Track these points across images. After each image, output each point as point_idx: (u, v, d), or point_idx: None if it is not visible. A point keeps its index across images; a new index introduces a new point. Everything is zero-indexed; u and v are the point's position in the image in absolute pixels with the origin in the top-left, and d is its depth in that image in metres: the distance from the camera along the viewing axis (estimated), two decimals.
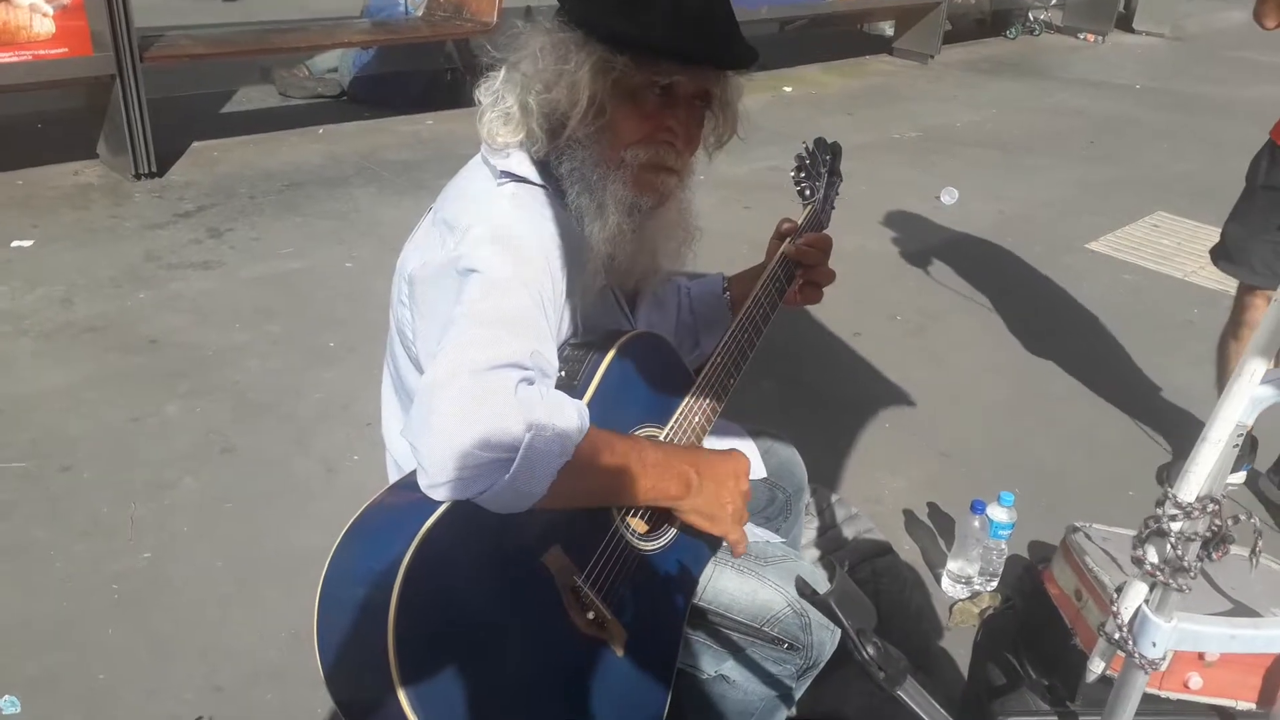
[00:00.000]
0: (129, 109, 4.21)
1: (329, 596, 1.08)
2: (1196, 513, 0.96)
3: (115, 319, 3.29)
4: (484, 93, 1.31)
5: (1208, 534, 0.97)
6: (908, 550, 2.47)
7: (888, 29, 8.64)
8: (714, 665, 1.35)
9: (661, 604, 1.23)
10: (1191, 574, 0.99)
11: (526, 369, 1.11)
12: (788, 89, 7.14)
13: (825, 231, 1.67)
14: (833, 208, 1.76)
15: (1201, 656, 1.12)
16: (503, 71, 1.28)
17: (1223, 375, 2.71)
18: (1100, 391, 3.27)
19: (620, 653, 1.19)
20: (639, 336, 1.33)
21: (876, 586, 1.98)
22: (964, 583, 2.30)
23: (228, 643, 2.06)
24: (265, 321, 3.33)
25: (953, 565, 2.32)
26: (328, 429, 2.77)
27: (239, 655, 2.02)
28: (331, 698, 1.08)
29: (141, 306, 3.38)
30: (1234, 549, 1.31)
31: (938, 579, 2.36)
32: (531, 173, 1.29)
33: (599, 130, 1.25)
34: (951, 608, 2.24)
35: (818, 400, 3.13)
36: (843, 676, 1.68)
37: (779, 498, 1.75)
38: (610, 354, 1.25)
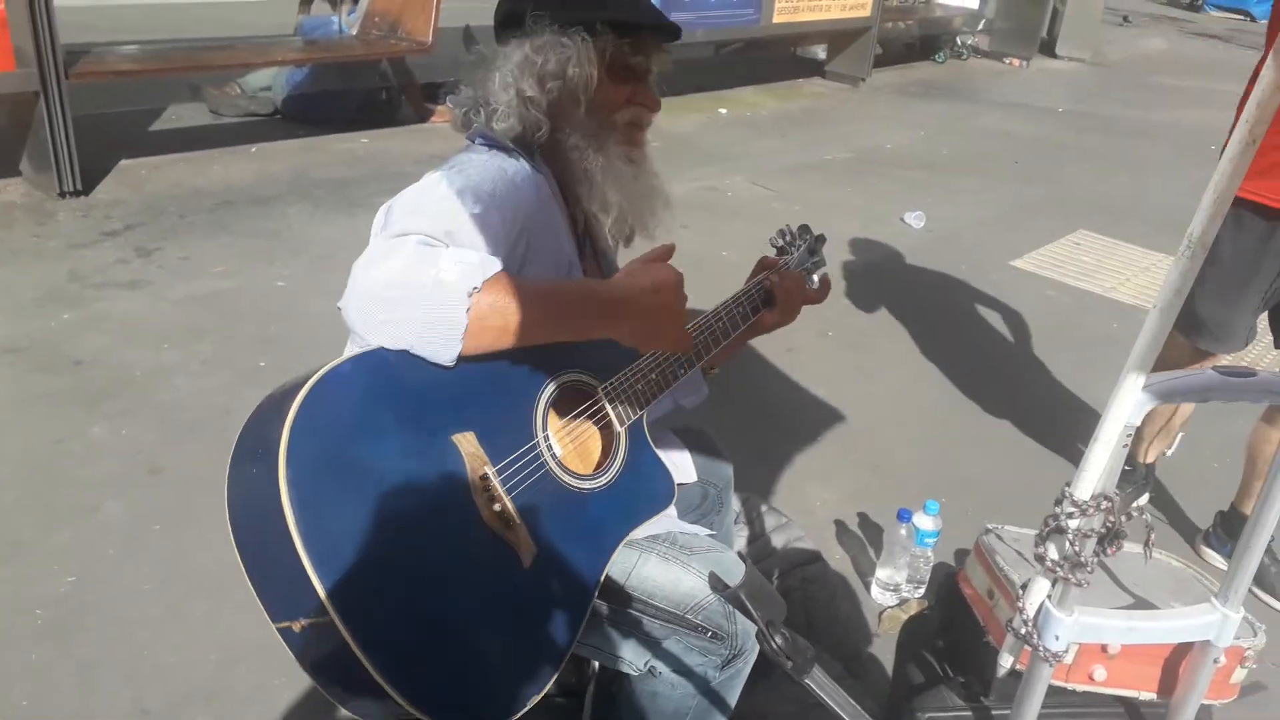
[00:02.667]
0: (53, 126, 4.12)
1: (237, 456, 1.12)
2: (1092, 510, 1.02)
3: (38, 340, 3.21)
4: (465, 100, 1.45)
5: (1103, 530, 1.03)
6: (838, 559, 2.53)
7: (820, 52, 8.83)
8: (640, 657, 1.37)
9: (576, 541, 1.25)
10: (1089, 569, 1.04)
11: (435, 239, 1.16)
12: (723, 110, 7.25)
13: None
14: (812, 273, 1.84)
15: (1105, 649, 1.18)
16: (492, 78, 1.41)
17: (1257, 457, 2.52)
18: (1024, 403, 3.38)
19: (526, 565, 1.20)
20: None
21: (806, 594, 2.02)
22: (892, 590, 2.35)
23: (156, 665, 2.02)
24: (194, 341, 3.28)
25: (881, 573, 2.37)
26: None
27: (168, 677, 1.99)
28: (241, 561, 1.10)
29: (66, 327, 3.31)
30: (1130, 546, 1.38)
31: (867, 587, 2.42)
32: (508, 145, 1.41)
33: (592, 104, 1.43)
34: (881, 615, 2.30)
35: (752, 415, 3.19)
36: (772, 684, 1.72)
37: (710, 494, 1.81)
38: None
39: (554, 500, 1.26)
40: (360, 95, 5.79)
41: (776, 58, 8.85)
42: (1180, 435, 2.69)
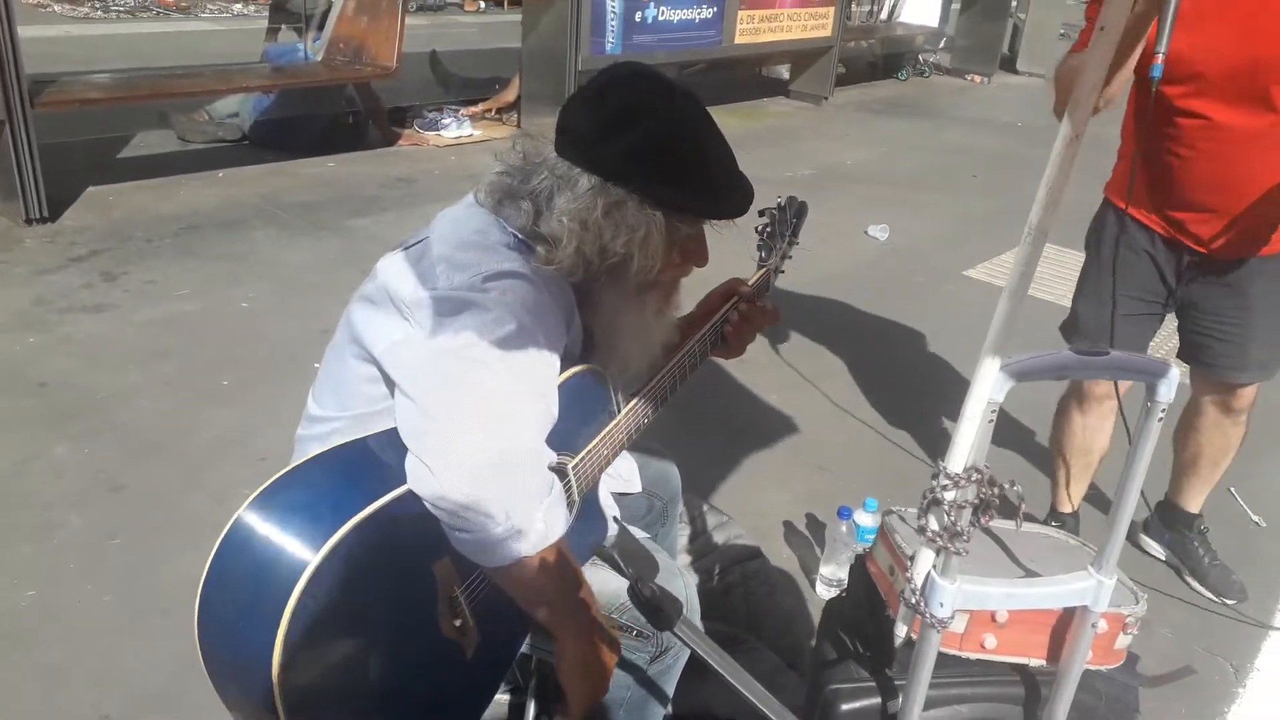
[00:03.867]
0: (19, 155, 4.18)
1: (224, 567, 1.13)
2: (964, 482, 1.10)
3: (3, 363, 3.26)
4: (512, 187, 1.37)
5: (976, 501, 1.11)
6: (786, 558, 2.61)
7: (784, 72, 9.00)
8: None
9: (515, 617, 1.30)
10: (965, 538, 1.12)
11: (545, 430, 1.22)
12: None
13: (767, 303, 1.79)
14: (782, 271, 1.86)
15: (994, 619, 1.25)
16: (553, 203, 1.33)
17: (1063, 449, 2.60)
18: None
19: (468, 657, 1.28)
20: (588, 371, 1.43)
21: (747, 589, 2.10)
22: (836, 586, 2.43)
23: (116, 672, 2.07)
24: (158, 363, 3.34)
25: (824, 570, 2.45)
26: (220, 465, 2.79)
27: (128, 683, 2.04)
28: (205, 664, 1.15)
29: (31, 350, 3.36)
30: (1032, 526, 1.47)
31: (813, 584, 2.49)
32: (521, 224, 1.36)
33: (644, 272, 1.38)
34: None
35: (707, 422, 3.27)
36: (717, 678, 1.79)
37: (656, 505, 1.87)
38: (564, 376, 1.34)
39: (500, 593, 1.29)
40: (326, 120, 5.88)
41: (741, 78, 9.01)
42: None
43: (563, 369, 1.34)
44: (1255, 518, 2.95)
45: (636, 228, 1.32)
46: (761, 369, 3.65)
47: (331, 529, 1.11)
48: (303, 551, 1.10)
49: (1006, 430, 3.33)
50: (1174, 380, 1.09)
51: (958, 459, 1.10)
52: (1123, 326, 2.26)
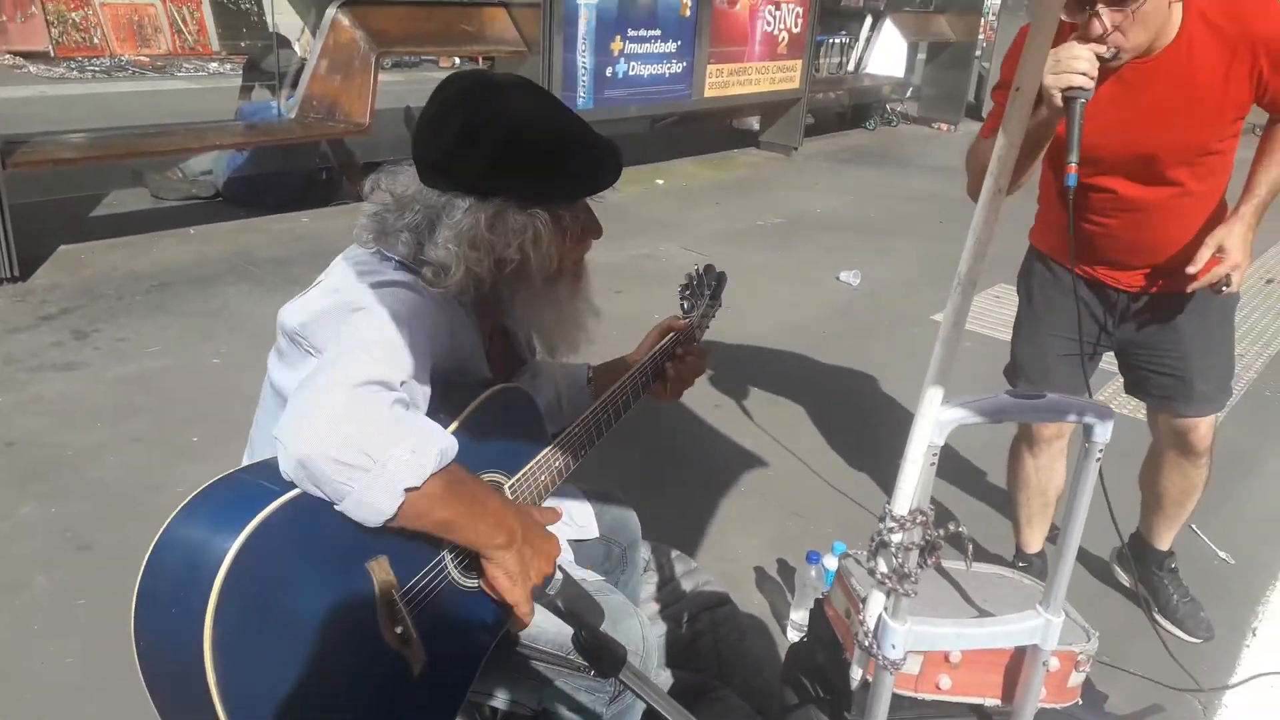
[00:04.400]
0: None
1: (152, 575, 1.14)
2: (910, 524, 1.13)
3: None
4: (390, 221, 1.41)
5: (923, 542, 1.13)
6: (757, 604, 2.61)
7: (754, 123, 9.16)
8: (532, 698, 1.45)
9: (464, 639, 1.31)
10: (913, 579, 1.15)
11: (396, 391, 1.21)
12: (660, 181, 7.49)
13: (700, 346, 1.87)
14: (706, 327, 1.95)
15: (947, 659, 1.27)
16: (436, 232, 1.37)
17: (1019, 491, 2.64)
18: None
19: (415, 673, 1.27)
20: (508, 389, 1.47)
21: (716, 635, 2.10)
22: (805, 631, 2.44)
23: None
24: (128, 420, 3.33)
25: (795, 615, 2.46)
26: None
27: None
28: (142, 675, 1.15)
29: None
30: (982, 566, 1.49)
31: (784, 629, 2.50)
32: (404, 257, 1.41)
33: (545, 266, 1.44)
34: None
35: (680, 468, 3.29)
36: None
37: (614, 551, 1.88)
38: (480, 399, 1.38)
39: (451, 607, 1.32)
40: (300, 176, 5.93)
41: (712, 129, 9.16)
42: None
43: (471, 389, 1.38)
44: (1222, 554, 2.98)
45: (524, 230, 1.37)
46: (734, 414, 3.68)
47: (252, 514, 1.12)
48: (223, 540, 1.09)
49: (969, 470, 3.37)
50: (1110, 422, 1.13)
51: (902, 502, 1.13)
52: (1061, 366, 2.32)
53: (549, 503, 1.60)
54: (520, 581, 1.31)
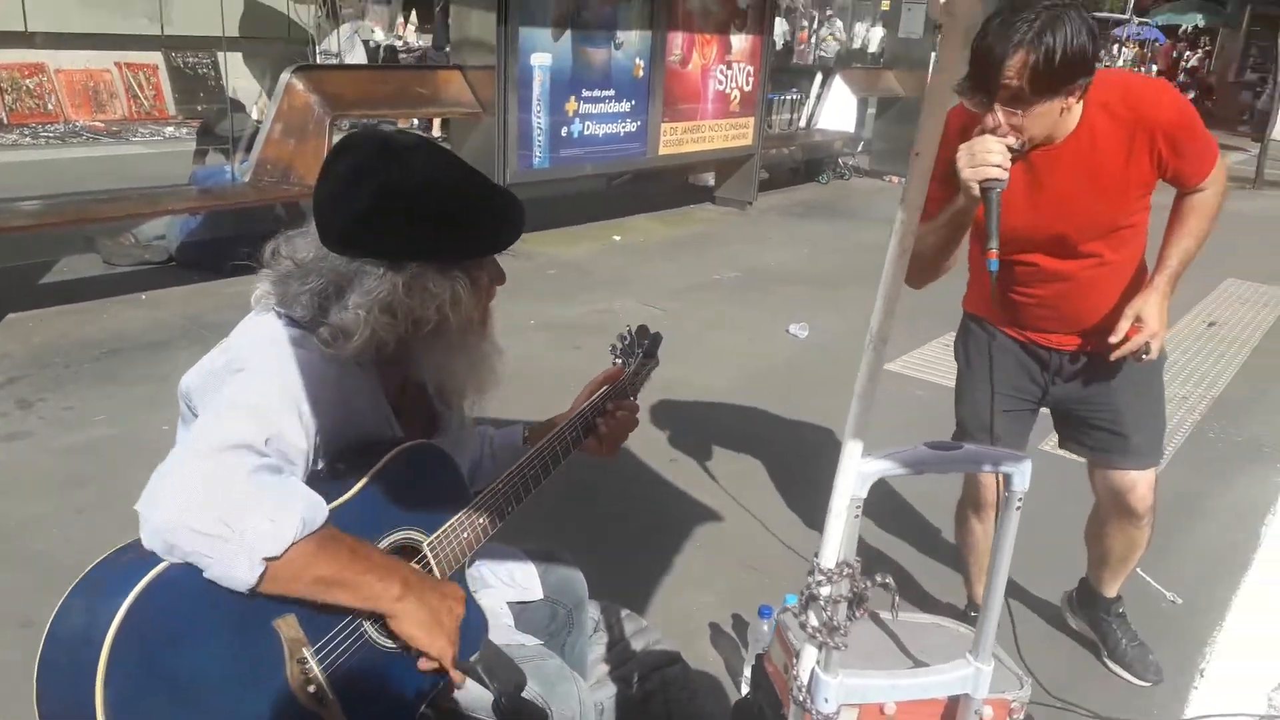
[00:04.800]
0: None
1: (50, 648, 1.13)
2: (837, 577, 1.14)
3: None
4: (291, 288, 1.40)
5: (851, 595, 1.15)
6: (711, 661, 2.60)
7: (709, 179, 9.32)
8: None
9: (388, 702, 1.29)
10: (843, 631, 1.16)
11: (262, 453, 1.21)
12: (617, 238, 7.57)
13: (634, 401, 1.86)
14: (642, 383, 1.94)
15: (883, 710, 1.28)
16: (345, 298, 1.37)
17: (968, 551, 2.68)
18: (890, 495, 3.54)
19: None
20: (420, 447, 1.46)
21: (666, 695, 2.08)
22: None
23: None
24: (73, 490, 3.27)
25: (748, 671, 2.45)
26: None
27: None
28: None
29: None
30: (915, 616, 1.51)
31: (739, 686, 2.49)
32: (305, 319, 1.41)
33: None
34: None
35: (634, 524, 3.28)
36: None
37: (560, 613, 1.86)
38: (386, 458, 1.38)
39: (369, 667, 1.31)
40: (255, 239, 5.90)
41: (667, 186, 9.30)
42: None
43: (379, 450, 1.38)
44: (1169, 595, 3.02)
45: (441, 292, 1.38)
46: (691, 468, 3.70)
47: (142, 575, 1.11)
48: (112, 603, 1.09)
49: (922, 519, 3.40)
50: (1027, 470, 1.16)
51: (829, 554, 1.14)
52: (1002, 421, 2.36)
53: (484, 563, 1.60)
54: (434, 629, 1.30)
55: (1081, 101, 2.00)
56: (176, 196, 5.54)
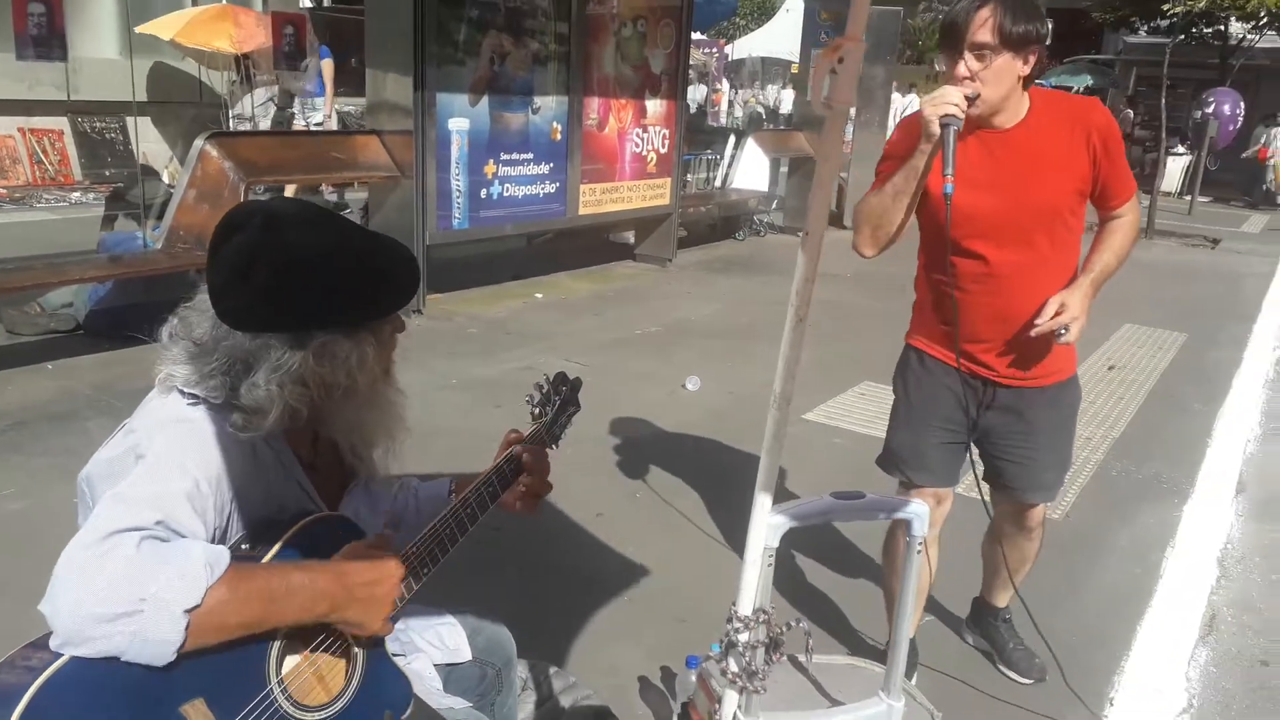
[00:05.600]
0: None
1: None
2: (754, 623, 1.20)
3: None
4: (188, 369, 1.42)
5: (767, 640, 1.21)
6: (641, 714, 2.62)
7: (629, 237, 9.47)
8: None
9: None
10: (761, 676, 1.21)
11: (148, 530, 1.21)
12: (539, 295, 7.63)
13: (549, 448, 1.87)
14: (564, 429, 1.96)
15: None
16: (253, 375, 1.39)
17: (893, 579, 2.69)
18: (813, 542, 3.63)
19: None
20: (324, 518, 1.47)
21: None
22: None
23: None
24: None
25: None
26: None
27: None
28: None
29: None
30: (834, 658, 1.57)
31: None
32: (214, 399, 1.42)
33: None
34: None
35: (561, 580, 3.29)
36: None
37: (489, 674, 1.88)
38: (293, 530, 1.39)
39: None
40: (168, 306, 5.80)
41: (588, 244, 9.42)
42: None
43: (285, 524, 1.40)
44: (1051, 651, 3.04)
45: (349, 355, 1.43)
46: (616, 522, 3.72)
47: (33, 678, 1.10)
48: (10, 693, 1.08)
49: (847, 558, 3.49)
50: (925, 516, 1.23)
51: (746, 602, 1.20)
52: (935, 453, 2.55)
53: (412, 627, 1.61)
54: (373, 622, 1.37)
55: (1027, 94, 2.30)
56: (86, 264, 5.43)
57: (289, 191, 8.38)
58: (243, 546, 1.41)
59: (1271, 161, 17.57)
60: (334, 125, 10.35)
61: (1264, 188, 17.74)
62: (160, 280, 5.53)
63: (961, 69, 2.20)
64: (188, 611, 1.17)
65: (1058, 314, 2.25)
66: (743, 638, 1.19)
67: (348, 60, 15.50)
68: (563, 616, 3.03)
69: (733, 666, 1.21)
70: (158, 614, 1.15)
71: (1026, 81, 2.28)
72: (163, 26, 10.84)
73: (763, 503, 1.15)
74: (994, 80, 2.21)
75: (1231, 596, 3.53)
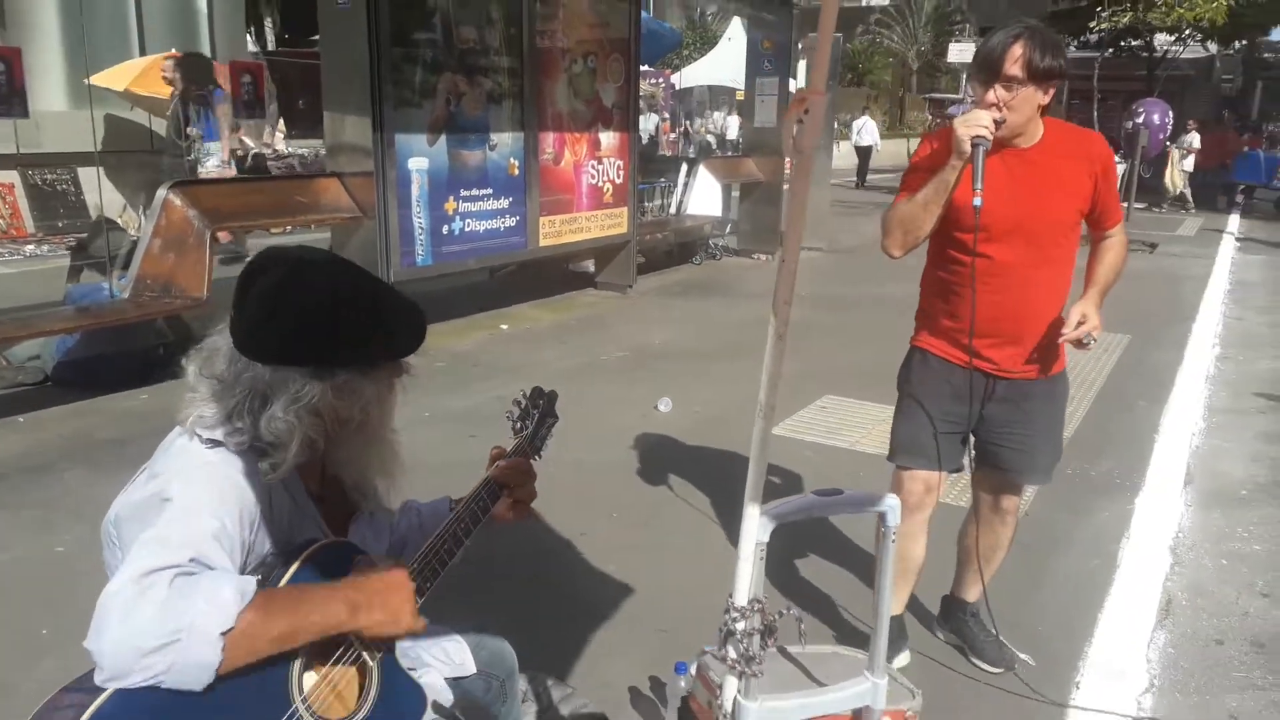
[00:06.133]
0: None
1: None
2: (750, 612, 1.33)
3: None
4: (211, 411, 1.53)
5: (762, 627, 1.33)
6: None
7: (590, 266, 9.61)
8: None
9: None
10: (759, 660, 1.34)
11: (181, 566, 1.32)
12: (504, 326, 7.73)
13: (532, 459, 1.99)
14: (545, 440, 2.08)
15: None
16: (270, 408, 1.50)
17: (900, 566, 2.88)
18: (792, 549, 3.77)
19: None
20: (331, 544, 1.58)
21: None
22: None
23: None
24: None
25: None
26: None
27: None
28: None
29: None
30: (821, 647, 1.70)
31: None
32: (232, 442, 1.54)
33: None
34: None
35: (551, 599, 3.39)
36: None
37: (494, 685, 1.98)
38: (300, 560, 1.49)
39: None
40: (137, 354, 5.84)
41: (550, 274, 9.55)
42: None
43: (295, 552, 1.50)
44: (1023, 656, 3.07)
45: (364, 390, 1.55)
46: (598, 541, 3.83)
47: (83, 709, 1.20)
48: None
49: (844, 554, 3.63)
50: (897, 508, 1.37)
51: (741, 594, 1.32)
52: (933, 441, 2.79)
53: (419, 644, 1.72)
54: (400, 620, 1.47)
55: (1042, 120, 2.59)
56: (51, 317, 5.45)
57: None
58: (259, 573, 1.51)
59: (1168, 171, 18.25)
60: (232, 171, 10.25)
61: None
62: (128, 330, 5.56)
63: (992, 96, 2.48)
64: (223, 634, 1.28)
65: (1081, 323, 2.54)
66: (740, 626, 1.31)
67: (295, 103, 15.53)
68: (555, 634, 3.13)
69: (731, 654, 1.33)
70: (195, 640, 1.26)
71: (1044, 109, 2.57)
72: (115, 77, 10.84)
73: (753, 503, 1.28)
74: (1019, 108, 2.49)
75: (1185, 582, 3.72)
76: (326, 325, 1.51)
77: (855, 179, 21.98)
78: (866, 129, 22.92)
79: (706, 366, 6.63)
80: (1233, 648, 3.25)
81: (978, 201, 2.43)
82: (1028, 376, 2.76)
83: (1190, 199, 18.32)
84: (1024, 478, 2.90)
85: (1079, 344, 2.59)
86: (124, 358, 5.77)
